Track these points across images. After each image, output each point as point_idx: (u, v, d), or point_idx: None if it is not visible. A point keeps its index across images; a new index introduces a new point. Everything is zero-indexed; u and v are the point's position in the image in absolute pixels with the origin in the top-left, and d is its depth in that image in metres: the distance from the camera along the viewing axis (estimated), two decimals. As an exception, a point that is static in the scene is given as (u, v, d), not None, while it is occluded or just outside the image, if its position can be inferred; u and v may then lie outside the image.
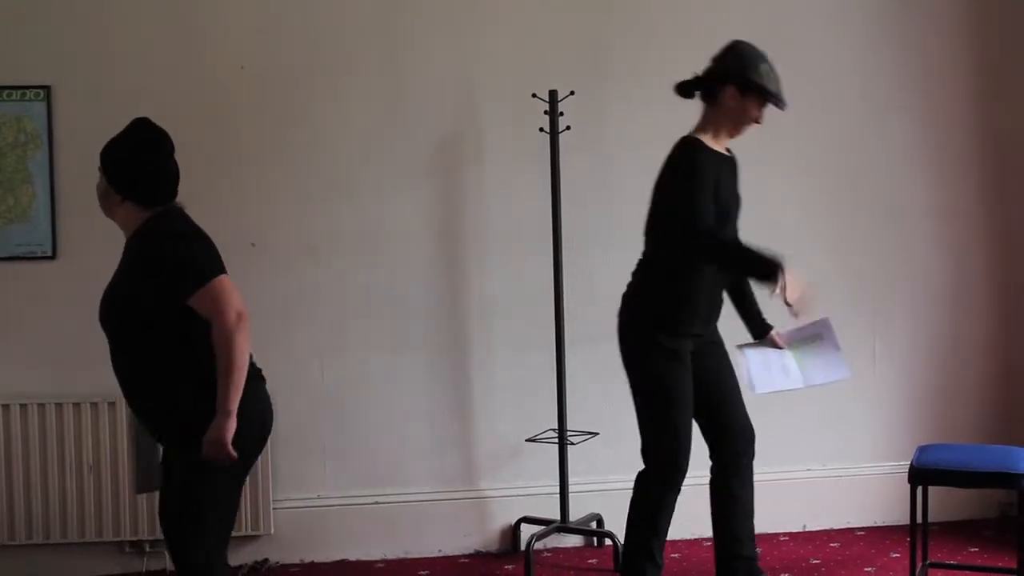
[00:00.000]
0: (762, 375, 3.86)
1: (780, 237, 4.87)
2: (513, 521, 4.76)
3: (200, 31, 4.58)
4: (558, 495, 4.62)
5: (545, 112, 4.53)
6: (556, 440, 4.61)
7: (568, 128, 4.54)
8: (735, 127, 3.80)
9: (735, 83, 3.70)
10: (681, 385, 3.73)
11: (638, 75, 4.79)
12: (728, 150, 3.86)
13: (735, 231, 3.87)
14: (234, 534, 3.33)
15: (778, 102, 3.74)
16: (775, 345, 3.97)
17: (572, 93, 4.54)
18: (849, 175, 4.99)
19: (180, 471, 3.09)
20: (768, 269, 3.55)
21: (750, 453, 3.94)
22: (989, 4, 5.04)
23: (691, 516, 4.85)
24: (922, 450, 3.97)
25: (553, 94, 4.53)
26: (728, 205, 3.78)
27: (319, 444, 4.70)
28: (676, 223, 3.65)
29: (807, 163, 4.93)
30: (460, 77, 4.73)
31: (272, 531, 4.57)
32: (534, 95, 4.53)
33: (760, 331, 4.02)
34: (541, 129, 4.55)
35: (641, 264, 3.87)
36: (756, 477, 4.95)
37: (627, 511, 3.86)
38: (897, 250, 5.01)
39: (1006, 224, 5.08)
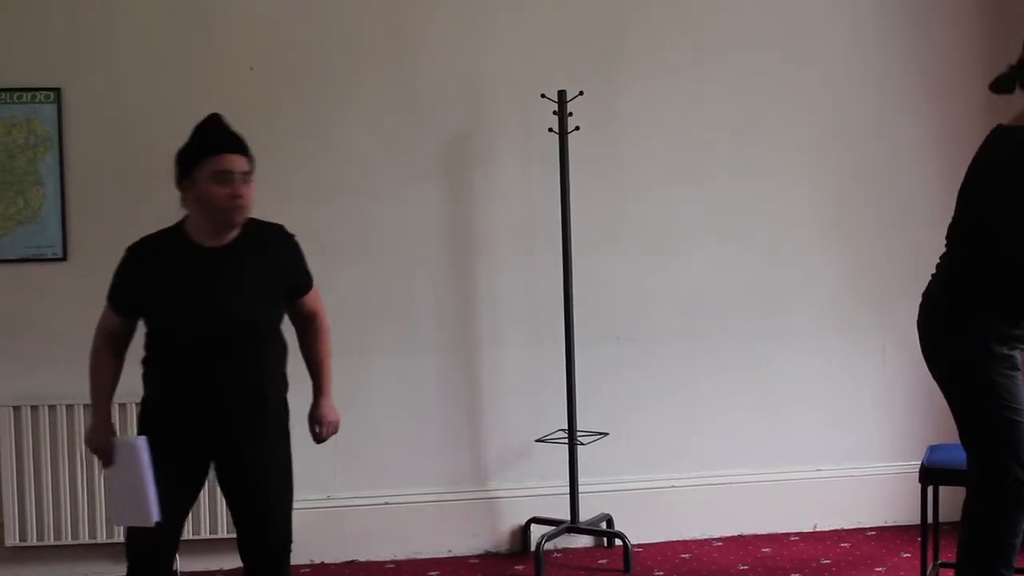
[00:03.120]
0: None
1: (790, 236, 4.92)
2: (523, 521, 4.75)
3: (209, 33, 4.58)
4: (568, 495, 4.62)
5: (554, 112, 4.52)
6: (566, 440, 4.61)
7: (577, 128, 4.54)
8: None
9: None
10: (1020, 395, 3.21)
11: (648, 75, 4.79)
12: None
13: None
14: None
15: None
16: None
17: (581, 93, 4.54)
18: (859, 175, 4.97)
19: (281, 456, 3.31)
20: None
21: None
22: (1001, 3, 5.01)
23: (702, 515, 4.87)
24: (933, 449, 3.97)
25: (562, 94, 4.53)
26: None
27: (329, 444, 4.64)
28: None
29: (817, 162, 4.92)
30: (469, 77, 4.72)
31: (282, 532, 4.57)
32: (543, 95, 4.53)
33: None
34: (550, 129, 4.55)
35: (965, 265, 3.28)
36: (766, 477, 4.93)
37: (957, 548, 3.38)
38: (907, 249, 4.98)
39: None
